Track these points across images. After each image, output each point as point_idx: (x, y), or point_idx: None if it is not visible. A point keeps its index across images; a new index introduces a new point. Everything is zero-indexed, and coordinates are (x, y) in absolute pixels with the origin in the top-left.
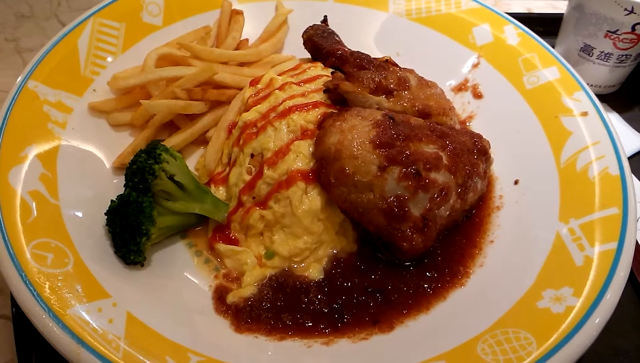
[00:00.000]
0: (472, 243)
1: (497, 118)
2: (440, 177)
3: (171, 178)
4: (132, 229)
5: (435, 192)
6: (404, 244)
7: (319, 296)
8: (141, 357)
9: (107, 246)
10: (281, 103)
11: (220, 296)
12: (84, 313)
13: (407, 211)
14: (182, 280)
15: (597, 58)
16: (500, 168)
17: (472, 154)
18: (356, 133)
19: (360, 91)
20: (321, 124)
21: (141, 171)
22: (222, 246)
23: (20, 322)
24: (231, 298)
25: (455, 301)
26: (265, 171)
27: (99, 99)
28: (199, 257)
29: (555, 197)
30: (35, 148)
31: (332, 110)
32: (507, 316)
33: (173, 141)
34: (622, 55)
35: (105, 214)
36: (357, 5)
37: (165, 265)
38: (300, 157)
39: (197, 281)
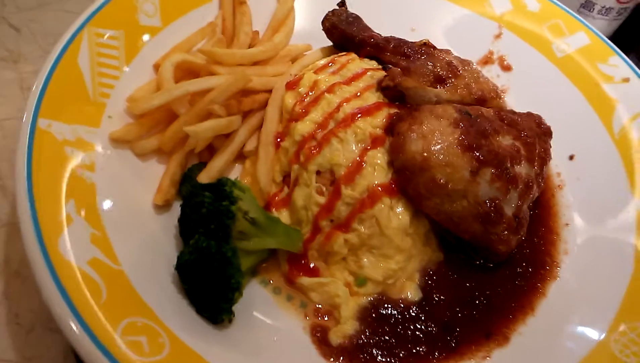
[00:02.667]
0: (547, 229)
1: (532, 91)
2: (523, 170)
3: (245, 216)
4: (220, 285)
5: (522, 187)
6: (501, 247)
7: (423, 318)
8: None
9: (185, 305)
10: (338, 109)
11: (321, 338)
12: None
13: (503, 213)
14: (272, 328)
15: (598, 13)
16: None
17: (541, 138)
18: (439, 137)
19: (421, 86)
20: (388, 128)
21: (216, 216)
22: (306, 281)
23: None
24: (335, 338)
25: (555, 295)
26: (343, 190)
27: (116, 127)
28: (278, 295)
29: (619, 169)
30: (74, 204)
31: (393, 110)
32: (624, 306)
33: (216, 166)
34: (622, 8)
35: (177, 268)
36: None
37: (248, 313)
38: (378, 169)
39: (288, 326)
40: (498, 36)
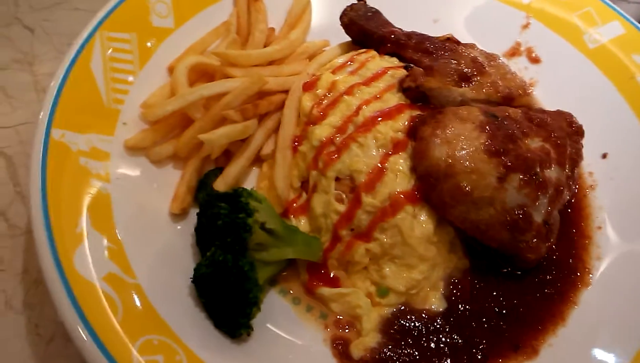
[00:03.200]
0: (579, 232)
1: (562, 84)
2: (553, 174)
3: (262, 227)
4: (237, 300)
5: (552, 192)
6: (530, 255)
7: (448, 330)
8: None
9: (202, 318)
10: (357, 112)
11: (342, 351)
12: None
13: (530, 219)
14: (291, 340)
15: None
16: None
17: (573, 138)
18: (464, 142)
19: (445, 86)
20: (411, 132)
21: (233, 228)
22: (326, 291)
23: None
24: (357, 351)
25: (586, 303)
26: (364, 198)
27: (131, 134)
28: (298, 306)
29: None
30: (88, 217)
31: (416, 112)
32: None
33: (232, 172)
34: None
35: (194, 281)
36: None
37: (267, 325)
38: (400, 176)
39: (308, 339)
40: (526, 26)
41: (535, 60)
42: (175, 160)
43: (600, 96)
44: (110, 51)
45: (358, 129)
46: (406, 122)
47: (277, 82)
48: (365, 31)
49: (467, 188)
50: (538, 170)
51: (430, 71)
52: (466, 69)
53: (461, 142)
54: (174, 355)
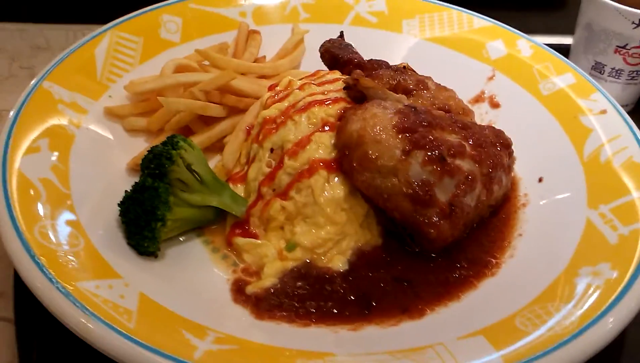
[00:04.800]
0: (500, 236)
1: (516, 124)
2: (465, 165)
3: (188, 167)
4: (147, 214)
5: (460, 179)
6: (431, 230)
7: (344, 285)
8: (155, 328)
9: (120, 238)
10: (301, 100)
11: (238, 288)
12: (93, 288)
13: (433, 196)
14: (197, 272)
15: (609, 75)
16: (523, 169)
17: (496, 146)
18: (378, 120)
19: (380, 87)
20: (340, 118)
21: (158, 157)
22: (240, 240)
23: (22, 323)
24: (251, 289)
25: (487, 289)
26: (286, 161)
27: (114, 104)
28: (216, 253)
29: (581, 188)
30: (48, 141)
31: (352, 106)
32: (544, 294)
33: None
34: (633, 71)
35: (119, 205)
36: (372, 28)
37: (180, 259)
38: (322, 148)
39: (213, 274)
40: (491, 78)
41: (495, 105)
42: (149, 136)
43: (547, 133)
44: (116, 45)
45: (297, 110)
46: (340, 111)
47: (251, 87)
48: (334, 57)
49: (373, 156)
50: (446, 155)
51: (372, 76)
52: (410, 85)
53: (376, 119)
54: (72, 238)
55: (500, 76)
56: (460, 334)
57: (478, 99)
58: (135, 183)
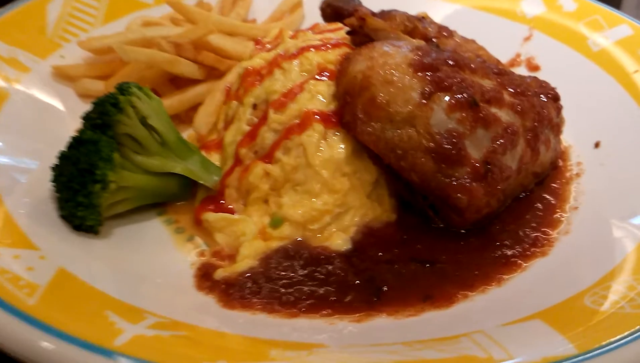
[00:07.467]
0: (550, 210)
1: (561, 86)
2: (503, 114)
3: (143, 121)
4: (82, 175)
5: (498, 131)
6: (461, 196)
7: (345, 267)
8: (66, 307)
9: (52, 209)
10: (293, 47)
11: (205, 273)
12: None
13: (463, 151)
14: (153, 254)
15: None
16: (574, 135)
17: (540, 97)
18: (390, 57)
19: (392, 29)
20: (341, 62)
21: (101, 104)
22: (212, 216)
23: None
24: (221, 273)
25: (537, 270)
26: (271, 115)
27: None
28: (179, 234)
29: None
30: None
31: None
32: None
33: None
34: None
35: (52, 168)
36: None
37: (133, 240)
38: (317, 97)
39: (174, 258)
40: (528, 38)
41: (534, 68)
42: None
43: (601, 93)
44: (74, 1)
45: (286, 57)
46: (340, 56)
47: (234, 47)
48: (338, 10)
49: (382, 100)
50: (478, 100)
51: (384, 17)
52: (430, 32)
53: (387, 57)
54: None
55: (539, 35)
56: (505, 320)
57: (513, 63)
58: (72, 137)
